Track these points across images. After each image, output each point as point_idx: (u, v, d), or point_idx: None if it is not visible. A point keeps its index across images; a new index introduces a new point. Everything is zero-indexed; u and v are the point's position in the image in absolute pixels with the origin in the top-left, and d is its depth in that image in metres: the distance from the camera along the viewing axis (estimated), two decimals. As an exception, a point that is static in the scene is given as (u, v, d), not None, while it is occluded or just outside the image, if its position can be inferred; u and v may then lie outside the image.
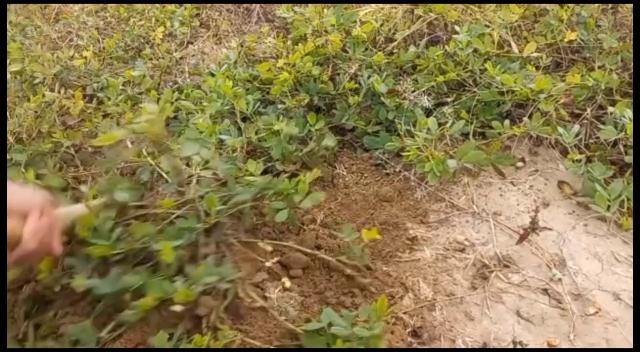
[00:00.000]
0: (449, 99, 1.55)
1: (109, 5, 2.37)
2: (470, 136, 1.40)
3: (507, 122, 1.36)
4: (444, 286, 1.11)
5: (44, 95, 1.52)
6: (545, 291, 1.10)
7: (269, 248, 1.14)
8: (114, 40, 1.98)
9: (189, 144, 1.13)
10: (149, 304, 0.91)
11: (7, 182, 0.84)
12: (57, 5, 2.45)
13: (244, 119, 1.55)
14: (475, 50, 1.55)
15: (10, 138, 1.41)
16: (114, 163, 1.00)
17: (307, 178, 1.16)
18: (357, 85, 1.57)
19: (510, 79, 1.39)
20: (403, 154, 1.33)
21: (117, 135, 0.97)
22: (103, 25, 2.27)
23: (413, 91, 1.50)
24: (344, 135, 1.59)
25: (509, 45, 1.61)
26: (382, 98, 1.52)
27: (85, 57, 1.80)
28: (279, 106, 1.61)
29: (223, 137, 1.34)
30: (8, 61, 1.70)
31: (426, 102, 1.42)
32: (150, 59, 1.94)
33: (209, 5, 2.40)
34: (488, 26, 1.62)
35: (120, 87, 1.69)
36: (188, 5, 2.30)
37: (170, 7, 2.28)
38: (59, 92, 1.57)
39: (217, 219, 1.07)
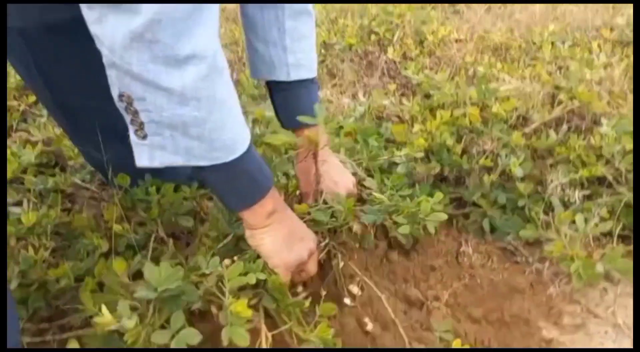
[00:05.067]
0: (587, 192, 1.49)
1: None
2: (614, 240, 1.33)
3: (661, 232, 1.28)
4: (583, 402, 1.03)
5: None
6: None
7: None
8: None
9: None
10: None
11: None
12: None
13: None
14: (623, 148, 1.49)
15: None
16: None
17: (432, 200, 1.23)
18: (491, 164, 1.54)
19: (666, 186, 1.32)
20: (544, 248, 1.27)
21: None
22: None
23: (552, 181, 1.46)
24: (464, 207, 1.55)
25: (657, 146, 1.54)
26: (516, 182, 1.48)
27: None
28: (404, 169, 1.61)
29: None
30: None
31: (576, 198, 1.37)
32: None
33: (334, 53, 2.47)
34: (636, 123, 1.56)
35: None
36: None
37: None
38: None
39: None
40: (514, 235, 1.41)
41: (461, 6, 2.99)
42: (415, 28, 2.55)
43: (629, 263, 1.21)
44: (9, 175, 1.48)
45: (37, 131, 1.61)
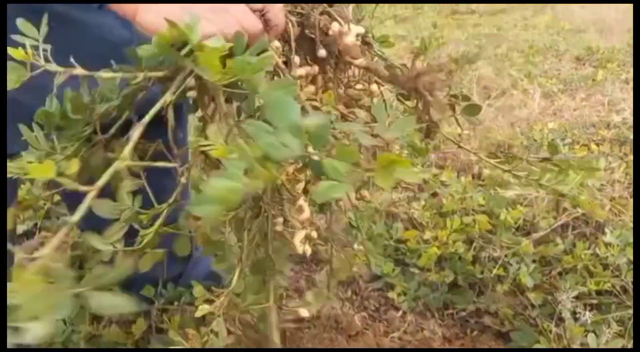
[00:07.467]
0: (595, 301, 1.53)
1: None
2: (626, 356, 1.36)
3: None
4: None
5: None
6: None
7: None
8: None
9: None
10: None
11: None
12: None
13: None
14: (629, 259, 1.55)
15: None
16: None
17: None
18: (504, 274, 1.59)
19: (672, 304, 1.37)
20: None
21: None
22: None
23: (560, 290, 1.51)
24: (480, 317, 1.59)
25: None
26: (526, 292, 1.53)
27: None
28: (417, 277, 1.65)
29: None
30: None
31: (587, 318, 1.41)
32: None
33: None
34: (639, 233, 1.63)
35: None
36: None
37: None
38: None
39: None
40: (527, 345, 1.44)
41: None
42: (421, 122, 2.67)
43: (642, 385, 1.24)
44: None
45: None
